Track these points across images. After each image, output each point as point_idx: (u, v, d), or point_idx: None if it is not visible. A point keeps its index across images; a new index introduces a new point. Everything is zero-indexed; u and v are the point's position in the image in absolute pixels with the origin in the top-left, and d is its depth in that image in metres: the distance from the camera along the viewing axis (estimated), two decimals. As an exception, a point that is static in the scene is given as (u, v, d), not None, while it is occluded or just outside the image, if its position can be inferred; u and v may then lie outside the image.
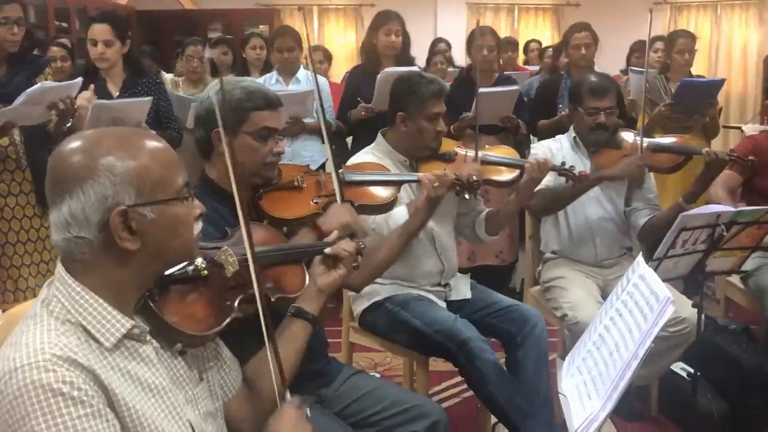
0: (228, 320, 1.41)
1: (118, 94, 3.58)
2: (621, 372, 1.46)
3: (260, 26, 9.72)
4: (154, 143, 1.29)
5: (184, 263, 1.39)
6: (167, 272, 1.36)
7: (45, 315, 1.20)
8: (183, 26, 9.26)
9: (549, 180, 2.94)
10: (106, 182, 1.20)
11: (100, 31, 3.54)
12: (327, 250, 1.71)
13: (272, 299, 1.54)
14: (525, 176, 2.72)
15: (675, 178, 3.27)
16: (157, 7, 9.44)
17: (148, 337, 1.29)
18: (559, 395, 1.68)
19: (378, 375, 3.63)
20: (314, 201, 2.09)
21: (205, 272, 1.40)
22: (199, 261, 1.40)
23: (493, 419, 2.95)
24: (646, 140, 3.05)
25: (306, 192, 2.10)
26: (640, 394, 3.21)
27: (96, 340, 1.21)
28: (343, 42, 10.41)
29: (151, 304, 1.31)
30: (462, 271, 3.04)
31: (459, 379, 3.39)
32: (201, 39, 5.04)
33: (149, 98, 3.45)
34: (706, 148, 2.97)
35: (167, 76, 4.91)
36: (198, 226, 1.35)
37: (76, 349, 1.16)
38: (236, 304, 1.45)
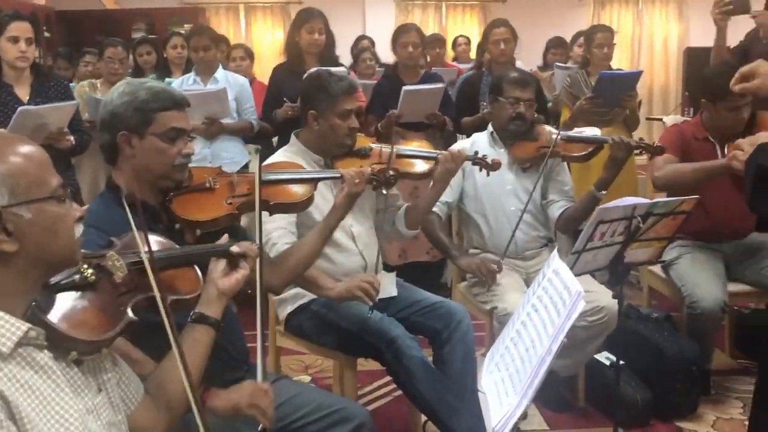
0: (122, 325, 1.38)
1: (28, 98, 3.47)
2: (536, 368, 1.47)
3: (185, 25, 9.54)
4: (25, 145, 1.27)
5: (70, 271, 1.36)
6: (54, 281, 1.33)
7: None
8: (105, 27, 9.03)
9: (444, 198, 3.05)
10: None
11: (23, 28, 3.44)
12: (233, 249, 1.68)
13: (168, 301, 1.50)
14: (439, 167, 2.73)
15: (596, 169, 3.31)
16: (78, 7, 9.17)
17: (45, 342, 1.24)
18: (479, 393, 1.68)
19: (309, 378, 3.60)
20: (228, 202, 2.05)
21: (93, 278, 1.37)
22: (85, 267, 1.37)
23: (424, 417, 2.95)
24: (562, 132, 3.09)
25: (219, 193, 2.05)
26: (567, 385, 3.25)
27: None
28: (270, 40, 10.31)
29: (39, 313, 1.27)
30: (393, 268, 3.03)
31: (389, 378, 3.37)
32: (121, 40, 4.91)
33: (75, 102, 3.38)
34: (612, 136, 3.02)
35: (83, 82, 4.77)
36: (78, 229, 1.32)
37: None
38: (129, 308, 1.42)
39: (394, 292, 2.84)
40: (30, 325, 1.22)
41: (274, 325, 2.93)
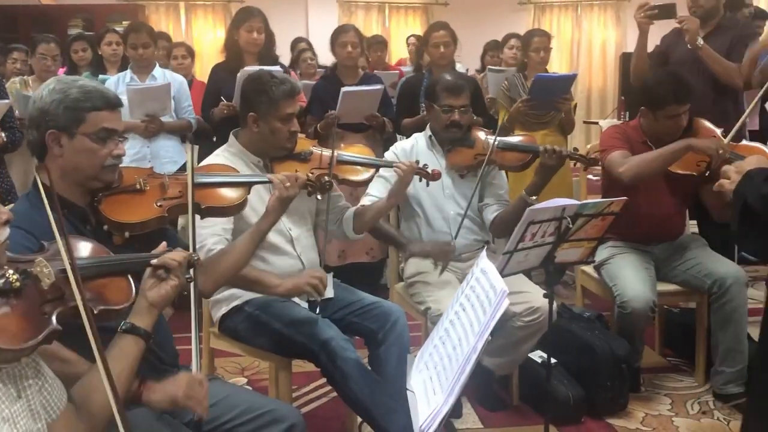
0: (45, 333, 1.33)
1: None
2: (462, 365, 1.48)
3: (123, 22, 9.38)
4: None
5: None
6: None
7: None
8: (41, 23, 8.82)
9: (378, 193, 3.07)
10: None
11: None
12: (153, 261, 1.65)
13: (95, 311, 1.47)
14: (398, 182, 2.80)
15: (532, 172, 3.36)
16: (14, 2, 8.93)
17: None
18: (408, 392, 1.69)
19: (245, 380, 3.57)
20: (158, 204, 2.01)
21: (18, 284, 1.32)
22: (11, 272, 1.32)
23: (359, 418, 2.96)
24: (498, 140, 3.12)
25: (149, 195, 2.01)
26: (502, 384, 3.29)
27: None
28: (212, 38, 10.21)
29: None
30: (332, 269, 3.02)
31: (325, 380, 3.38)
32: (54, 36, 4.80)
33: (7, 101, 3.29)
34: (544, 145, 3.07)
35: (15, 79, 4.65)
36: (4, 233, 1.28)
37: None
38: (54, 317, 1.37)
39: (330, 294, 2.83)
40: None
41: (208, 327, 2.89)
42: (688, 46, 3.84)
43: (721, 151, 3.08)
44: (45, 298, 1.38)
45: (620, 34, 11.09)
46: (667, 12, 3.89)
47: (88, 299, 1.41)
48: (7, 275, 1.31)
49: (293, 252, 2.75)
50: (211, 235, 2.51)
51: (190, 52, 5.53)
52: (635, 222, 3.20)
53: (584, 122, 9.68)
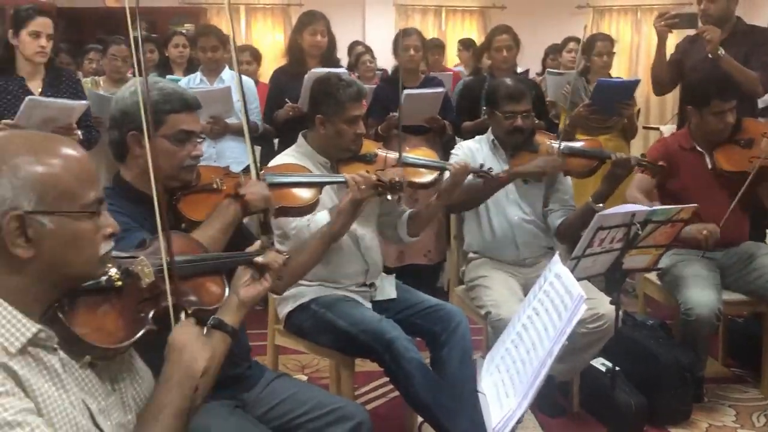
0: (140, 333, 1.35)
1: (40, 91, 3.49)
2: (537, 370, 1.49)
3: (185, 25, 9.57)
4: (70, 151, 1.24)
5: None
6: None
7: None
8: (106, 25, 9.04)
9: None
10: (6, 184, 1.16)
11: (45, 23, 3.47)
12: (258, 259, 1.64)
13: (189, 311, 1.48)
14: (448, 179, 2.76)
15: (595, 179, 3.34)
16: (79, 5, 9.18)
17: (56, 345, 1.24)
18: (479, 394, 1.70)
19: (305, 378, 3.61)
20: None
21: (119, 283, 1.34)
22: (113, 271, 1.34)
23: (420, 418, 2.97)
24: (562, 144, 3.11)
25: (225, 194, 2.06)
26: (562, 390, 3.27)
27: (1, 347, 1.16)
28: (271, 41, 10.31)
29: (60, 315, 1.25)
30: (391, 270, 3.04)
31: (385, 380, 3.39)
32: (125, 38, 4.93)
33: (86, 102, 3.41)
34: (615, 153, 3.04)
35: (86, 79, 4.79)
36: (107, 245, 1.30)
37: None
38: (150, 316, 1.39)
39: (393, 294, 2.87)
40: (40, 327, 1.20)
41: (273, 324, 2.95)
42: (709, 55, 3.80)
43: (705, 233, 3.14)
44: (143, 296, 1.39)
45: (680, 38, 10.90)
46: (690, 21, 3.87)
47: (184, 300, 1.42)
48: (110, 273, 1.33)
49: (357, 251, 2.78)
50: (291, 229, 2.55)
51: (256, 57, 5.61)
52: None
53: (644, 128, 9.54)
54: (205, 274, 1.61)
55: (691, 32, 4.01)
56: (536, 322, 1.63)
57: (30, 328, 1.19)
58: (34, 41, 3.45)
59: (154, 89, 1.87)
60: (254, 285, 1.64)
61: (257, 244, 1.75)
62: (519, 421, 3.11)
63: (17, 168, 1.17)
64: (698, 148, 3.31)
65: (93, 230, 1.25)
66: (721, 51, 3.75)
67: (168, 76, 4.62)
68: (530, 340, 1.60)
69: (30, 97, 3.24)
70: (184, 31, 5.33)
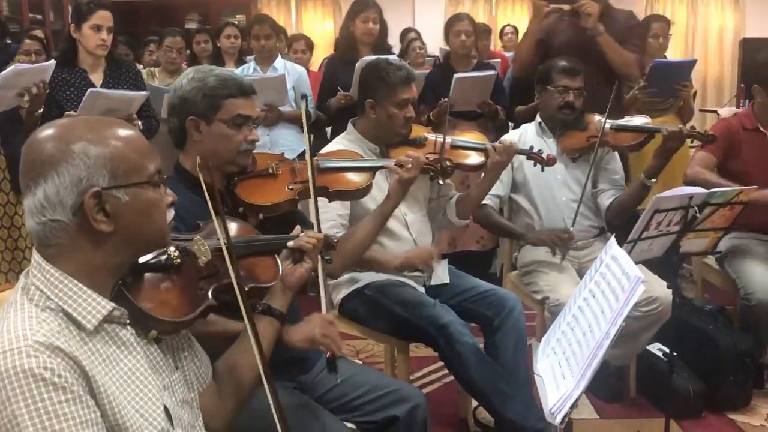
0: (202, 308, 1.42)
1: (101, 83, 3.57)
2: (594, 351, 1.49)
3: (237, 16, 9.67)
4: (126, 131, 1.31)
5: (157, 252, 1.40)
6: (141, 260, 1.37)
7: (25, 302, 1.21)
8: (160, 16, 9.21)
9: (495, 192, 3.07)
10: (80, 165, 1.22)
11: (106, 17, 3.54)
12: (290, 244, 1.71)
13: (246, 288, 1.54)
14: (490, 159, 2.75)
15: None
16: (134, -3, 9.36)
17: (128, 321, 1.30)
18: (535, 376, 1.71)
19: (360, 362, 3.65)
20: (289, 187, 2.10)
21: (178, 261, 1.41)
22: (172, 250, 1.41)
23: (474, 402, 2.98)
24: (610, 121, 3.07)
25: (281, 179, 2.10)
26: (619, 375, 3.24)
27: (77, 324, 1.22)
28: (321, 30, 10.38)
29: (126, 291, 1.32)
30: (443, 256, 3.06)
31: (439, 364, 3.42)
32: (180, 30, 5.02)
33: (145, 93, 3.48)
34: (666, 126, 2.99)
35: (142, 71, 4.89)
36: (170, 214, 1.37)
37: (58, 335, 1.17)
38: (210, 292, 1.46)
39: (446, 279, 2.87)
40: (114, 305, 1.27)
41: (328, 309, 2.97)
42: (588, 32, 3.67)
43: None
44: (201, 274, 1.47)
45: (739, 18, 10.60)
46: None
47: (240, 277, 1.48)
48: (168, 252, 1.40)
49: (408, 236, 2.79)
50: (327, 221, 2.56)
51: (309, 46, 5.65)
52: (758, 211, 3.09)
53: (700, 110, 9.34)
54: (257, 254, 1.68)
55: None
56: (592, 304, 1.62)
57: (105, 306, 1.25)
58: (96, 34, 3.53)
59: (210, 75, 1.92)
60: (295, 269, 1.70)
61: (297, 229, 1.80)
62: (574, 405, 3.12)
63: (87, 149, 1.23)
64: (762, 129, 3.24)
65: (160, 199, 1.33)
66: (601, 27, 3.64)
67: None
68: (587, 322, 1.60)
69: (92, 89, 3.32)
70: (235, 23, 5.37)
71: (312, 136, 4.49)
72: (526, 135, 3.24)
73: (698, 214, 2.41)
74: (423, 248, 2.66)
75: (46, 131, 1.25)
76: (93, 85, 3.51)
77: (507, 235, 3.28)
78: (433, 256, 2.63)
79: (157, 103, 3.95)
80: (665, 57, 4.65)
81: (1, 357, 1.12)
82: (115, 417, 1.19)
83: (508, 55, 6.33)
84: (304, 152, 4.32)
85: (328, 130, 4.61)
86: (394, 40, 4.64)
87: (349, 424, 2.02)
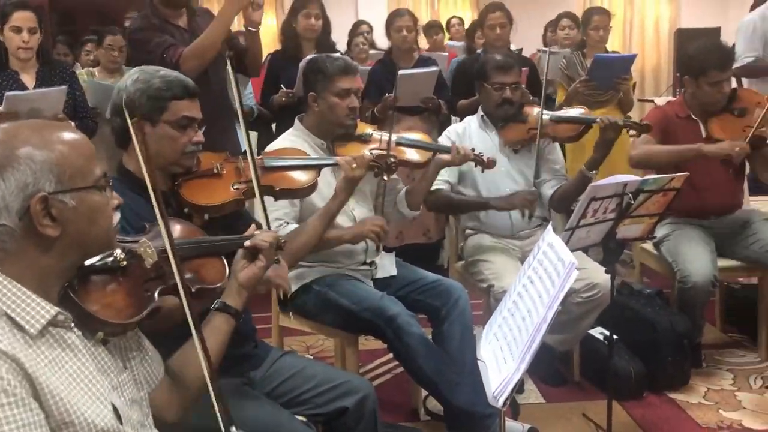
0: (148, 309, 1.43)
1: (34, 85, 3.52)
2: (532, 335, 1.55)
3: (180, 13, 9.56)
4: (71, 134, 1.32)
5: (103, 255, 1.41)
6: (87, 263, 1.38)
7: None
8: (99, 15, 9.07)
9: (446, 177, 3.12)
10: (26, 170, 1.23)
11: (25, 17, 3.47)
12: (246, 243, 1.72)
13: (192, 290, 1.56)
14: (449, 158, 2.84)
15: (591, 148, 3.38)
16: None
17: (73, 324, 1.31)
18: (479, 362, 1.76)
19: (310, 357, 3.68)
20: (234, 187, 2.11)
21: (124, 263, 1.43)
22: (118, 252, 1.42)
23: (424, 392, 3.04)
24: (548, 113, 3.17)
25: (225, 179, 2.11)
26: (563, 360, 3.34)
27: (21, 328, 1.22)
28: (263, 26, 10.31)
29: (72, 294, 1.33)
30: (391, 250, 3.11)
31: (389, 356, 3.48)
32: (120, 28, 4.96)
33: (64, 87, 3.41)
34: (602, 117, 3.10)
35: (81, 71, 4.83)
36: (116, 217, 1.38)
37: (1, 338, 1.18)
38: (156, 294, 1.47)
39: (393, 272, 2.92)
40: (59, 310, 1.28)
41: (276, 306, 3.00)
42: None
43: (738, 150, 3.15)
44: (148, 276, 1.48)
45: (674, 9, 10.87)
46: None
47: (186, 278, 1.49)
48: (114, 254, 1.41)
49: None
50: (274, 219, 2.58)
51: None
52: (692, 196, 3.22)
53: (639, 100, 9.56)
54: (204, 256, 1.70)
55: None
56: (531, 290, 1.68)
57: (49, 310, 1.26)
58: (17, 36, 3.47)
59: (155, 77, 1.92)
60: (250, 267, 1.71)
61: (252, 227, 1.82)
62: (521, 391, 3.21)
63: (32, 154, 1.24)
64: (693, 117, 3.37)
65: (106, 202, 1.34)
66: None
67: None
68: (525, 308, 1.66)
69: (7, 93, 3.23)
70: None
71: (257, 132, 4.51)
72: (470, 129, 3.32)
73: (633, 201, 2.50)
74: (373, 221, 2.67)
75: None
76: (25, 87, 3.46)
77: (470, 209, 3.29)
78: (386, 229, 2.66)
79: (103, 101, 3.90)
80: (606, 49, 4.76)
81: None
82: (62, 416, 1.20)
83: (458, 44, 6.38)
84: (245, 151, 4.36)
85: (274, 126, 4.62)
86: (336, 36, 4.66)
87: (300, 417, 2.05)
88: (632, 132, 3.25)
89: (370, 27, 6.22)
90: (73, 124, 3.46)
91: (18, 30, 3.45)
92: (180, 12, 3.32)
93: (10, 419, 1.13)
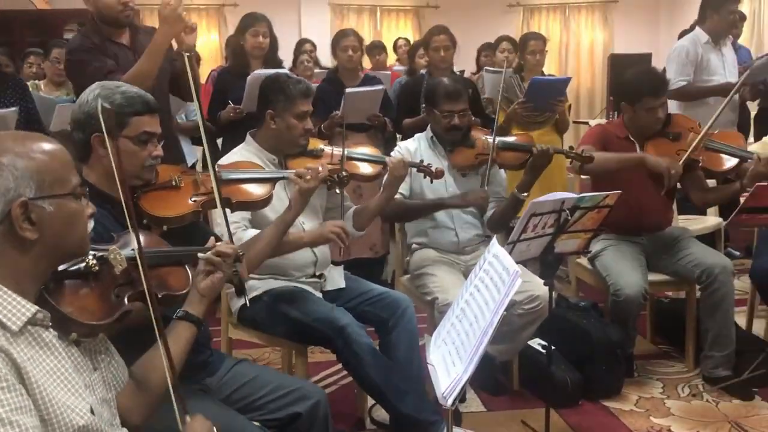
0: (119, 313, 1.51)
1: None
2: (480, 338, 1.66)
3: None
4: (50, 145, 1.40)
5: (76, 261, 1.49)
6: (61, 268, 1.45)
7: None
8: (37, 27, 8.93)
9: (405, 188, 3.22)
10: (8, 176, 1.31)
11: None
12: (200, 256, 1.80)
13: (159, 296, 1.64)
14: (388, 175, 2.94)
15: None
16: (8, 7, 9.03)
17: (50, 323, 1.37)
18: (428, 365, 1.86)
19: (263, 366, 3.71)
20: (192, 200, 2.18)
21: (96, 268, 1.50)
22: (90, 257, 1.50)
23: (369, 403, 3.13)
24: (498, 138, 3.30)
25: (184, 191, 2.18)
26: (503, 370, 3.46)
27: (2, 325, 1.28)
28: (206, 41, 10.34)
29: (47, 296, 1.40)
30: (337, 264, 3.19)
31: (335, 368, 3.57)
32: (66, 41, 4.96)
33: (14, 109, 3.41)
34: (537, 145, 3.25)
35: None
36: (90, 224, 1.45)
37: None
38: (126, 299, 1.55)
39: (342, 284, 3.01)
40: (38, 308, 1.35)
41: (226, 317, 3.05)
42: None
43: (673, 171, 3.34)
44: (117, 282, 1.56)
45: (608, 35, 11.32)
46: None
47: (153, 285, 1.57)
48: (87, 260, 1.49)
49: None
50: (232, 223, 2.65)
51: (196, 58, 5.66)
52: (624, 214, 3.39)
53: (573, 122, 9.88)
54: (168, 264, 1.78)
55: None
56: (477, 297, 1.80)
57: (30, 308, 1.33)
58: None
59: (116, 92, 1.98)
60: (210, 278, 1.79)
61: (211, 240, 1.89)
62: (463, 400, 3.31)
63: (15, 162, 1.32)
64: (631, 138, 3.55)
65: (81, 210, 1.43)
66: None
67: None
68: (473, 314, 1.77)
69: None
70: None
71: (203, 147, 4.55)
72: (420, 147, 3.41)
73: (570, 217, 2.65)
74: (334, 223, 2.74)
75: None
76: None
77: (428, 211, 3.35)
78: (347, 231, 2.73)
79: (46, 115, 3.90)
80: (542, 72, 4.96)
81: None
82: (46, 408, 1.28)
83: (401, 69, 6.52)
84: (193, 165, 4.38)
85: (220, 141, 4.66)
86: (281, 53, 4.75)
87: (255, 423, 2.11)
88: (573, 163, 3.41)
89: (314, 45, 6.32)
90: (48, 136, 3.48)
91: None
92: (122, 30, 3.33)
93: (4, 402, 1.20)
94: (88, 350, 1.50)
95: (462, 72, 5.56)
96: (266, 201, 2.41)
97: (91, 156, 2.00)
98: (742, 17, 5.53)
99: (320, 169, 2.53)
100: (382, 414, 3.03)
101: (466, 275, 3.24)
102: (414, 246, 3.46)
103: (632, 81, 3.49)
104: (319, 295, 2.92)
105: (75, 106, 2.04)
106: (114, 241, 1.70)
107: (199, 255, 1.79)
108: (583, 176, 3.61)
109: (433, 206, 3.31)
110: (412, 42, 8.08)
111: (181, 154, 3.90)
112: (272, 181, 2.45)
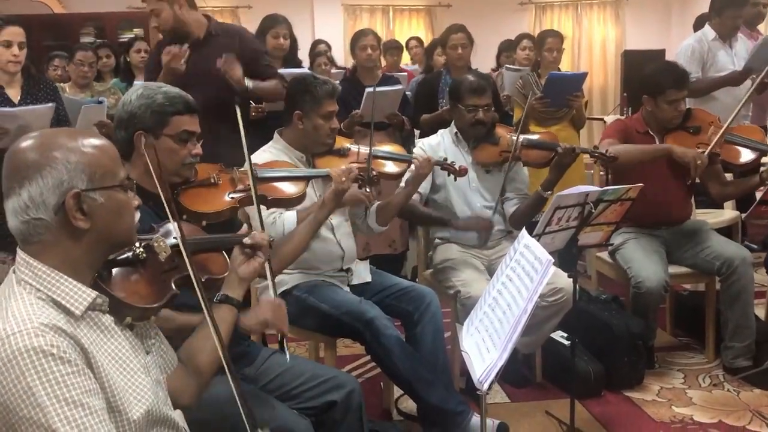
0: (168, 296, 1.60)
1: (19, 99, 3.59)
2: (514, 325, 1.72)
3: (134, 30, 9.59)
4: (100, 140, 1.48)
5: (124, 250, 1.56)
6: (111, 257, 1.53)
7: (23, 293, 1.35)
8: (54, 31, 9.05)
9: (425, 186, 3.29)
10: (62, 169, 1.38)
11: (15, 32, 3.53)
12: (246, 240, 1.88)
13: (203, 279, 1.72)
14: (414, 172, 3.00)
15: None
16: (26, 11, 9.14)
17: (108, 308, 1.45)
18: (462, 353, 1.93)
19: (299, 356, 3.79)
20: (230, 196, 2.26)
21: (143, 256, 1.58)
22: (137, 246, 1.58)
23: (396, 394, 3.20)
24: (522, 136, 3.35)
25: (222, 188, 2.26)
26: (526, 363, 3.52)
27: (66, 311, 1.36)
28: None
29: (101, 283, 1.47)
30: (362, 259, 3.26)
31: (361, 360, 3.64)
32: (90, 44, 5.06)
33: (52, 104, 3.49)
34: (562, 144, 3.29)
35: None
36: (137, 215, 1.53)
37: (57, 318, 1.32)
38: (172, 283, 1.64)
39: (368, 278, 3.08)
40: (97, 293, 1.42)
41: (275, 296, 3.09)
42: None
43: (699, 162, 3.38)
44: (163, 268, 1.64)
45: (620, 31, 11.31)
46: None
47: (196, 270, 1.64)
48: (134, 248, 1.57)
49: (333, 239, 2.98)
50: (269, 215, 2.70)
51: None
52: (644, 207, 3.43)
53: (588, 119, 9.88)
54: (207, 251, 1.88)
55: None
56: (510, 287, 1.86)
57: (89, 293, 1.41)
58: (7, 50, 3.54)
59: (159, 92, 2.06)
60: (249, 262, 1.87)
61: (244, 227, 1.97)
62: (487, 392, 3.37)
63: (68, 156, 1.39)
64: (650, 132, 3.60)
65: (129, 201, 1.50)
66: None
67: (136, 82, 4.74)
68: (506, 302, 1.83)
69: None
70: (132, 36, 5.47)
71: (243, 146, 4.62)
72: (444, 143, 3.47)
73: (593, 210, 2.71)
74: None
75: (30, 141, 1.41)
76: (11, 101, 3.53)
77: (432, 223, 3.47)
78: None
79: (72, 116, 3.97)
80: (559, 69, 5.01)
81: (12, 338, 1.26)
82: (111, 391, 1.35)
83: (413, 68, 6.58)
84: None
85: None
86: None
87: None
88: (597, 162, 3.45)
89: (329, 46, 6.39)
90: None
91: (8, 44, 3.51)
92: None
93: (76, 385, 1.27)
94: (140, 335, 1.57)
95: (475, 70, 5.61)
96: (300, 198, 2.48)
97: (133, 153, 2.08)
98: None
99: (353, 169, 2.59)
100: (408, 405, 3.10)
101: (488, 270, 3.32)
102: (437, 241, 3.52)
103: (655, 74, 3.54)
104: (347, 289, 2.98)
105: (119, 106, 2.12)
106: (154, 231, 1.78)
107: (244, 240, 1.87)
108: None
109: (439, 221, 3.41)
110: (424, 42, 8.16)
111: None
112: (306, 179, 2.53)
